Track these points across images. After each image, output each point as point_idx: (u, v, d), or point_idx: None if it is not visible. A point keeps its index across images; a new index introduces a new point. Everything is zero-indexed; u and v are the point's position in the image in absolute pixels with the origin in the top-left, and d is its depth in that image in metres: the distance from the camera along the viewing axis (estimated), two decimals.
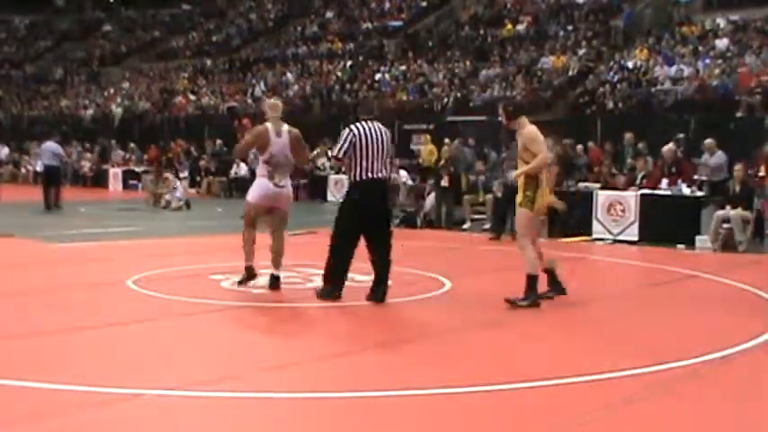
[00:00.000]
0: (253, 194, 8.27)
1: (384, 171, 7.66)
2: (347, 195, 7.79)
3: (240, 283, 8.28)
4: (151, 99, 37.30)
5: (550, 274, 8.15)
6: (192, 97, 35.66)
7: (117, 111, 37.11)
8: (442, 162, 16.53)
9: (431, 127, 25.18)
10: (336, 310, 7.49)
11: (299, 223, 15.31)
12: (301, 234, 13.72)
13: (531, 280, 7.60)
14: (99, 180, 30.19)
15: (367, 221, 7.66)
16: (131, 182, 28.96)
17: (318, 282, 8.73)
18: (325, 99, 30.67)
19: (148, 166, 28.45)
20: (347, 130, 7.71)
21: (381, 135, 7.70)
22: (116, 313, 7.06)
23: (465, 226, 16.24)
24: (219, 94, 34.91)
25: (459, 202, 16.75)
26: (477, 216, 16.85)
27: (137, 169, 29.34)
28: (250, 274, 8.24)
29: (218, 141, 27.73)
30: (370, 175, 7.57)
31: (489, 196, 16.16)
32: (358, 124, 7.73)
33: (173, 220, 17.60)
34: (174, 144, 28.75)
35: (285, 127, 8.25)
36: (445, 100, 26.92)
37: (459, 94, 26.93)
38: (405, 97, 28.55)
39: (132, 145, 31.53)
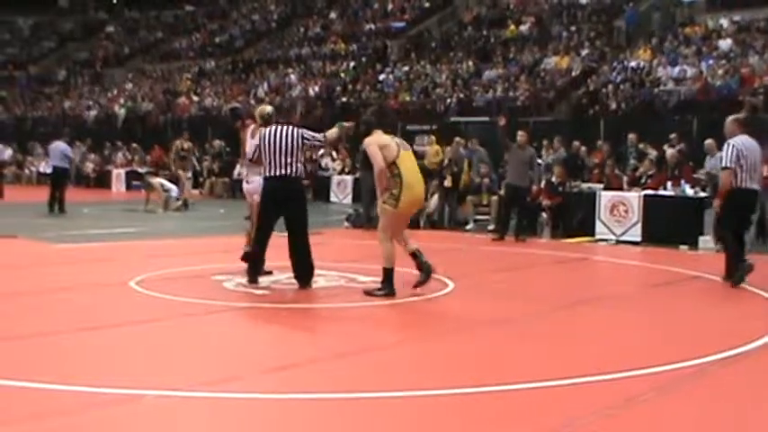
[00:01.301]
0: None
1: (288, 169, 8.17)
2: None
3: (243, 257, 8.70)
4: (154, 100, 37.36)
5: (415, 257, 8.32)
6: (195, 98, 35.71)
7: (120, 112, 37.18)
8: (445, 162, 16.51)
9: (434, 128, 25.17)
10: (339, 311, 7.49)
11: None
12: None
13: (387, 272, 7.95)
14: (102, 181, 30.25)
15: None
16: (134, 183, 28.97)
17: (322, 282, 8.75)
18: (329, 100, 30.67)
19: (151, 166, 28.46)
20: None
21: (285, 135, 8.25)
22: (119, 314, 7.06)
23: (468, 227, 16.23)
24: (222, 95, 34.95)
25: (462, 202, 16.74)
26: (480, 217, 16.85)
27: (140, 170, 29.36)
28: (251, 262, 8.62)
29: (218, 142, 27.75)
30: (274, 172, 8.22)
31: (493, 198, 16.17)
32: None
33: (175, 221, 17.60)
34: (182, 138, 28.82)
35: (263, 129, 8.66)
36: (448, 101, 26.92)
37: (462, 95, 26.93)
38: (408, 98, 28.56)
39: (135, 146, 31.61)
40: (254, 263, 8.53)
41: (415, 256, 8.30)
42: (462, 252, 12.88)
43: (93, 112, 38.55)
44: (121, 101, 38.55)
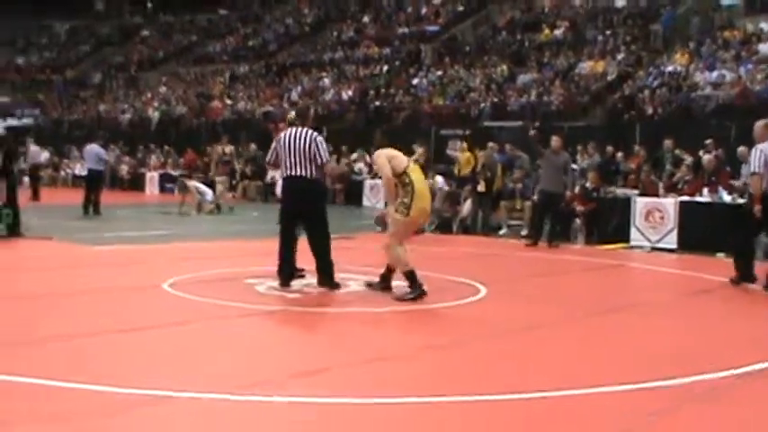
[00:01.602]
0: None
1: (303, 170, 8.42)
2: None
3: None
4: (188, 103, 37.66)
5: (390, 272, 8.50)
6: (229, 102, 35.94)
7: (154, 115, 37.52)
8: (478, 168, 16.48)
9: (467, 132, 25.12)
10: (370, 315, 7.49)
11: (333, 229, 15.36)
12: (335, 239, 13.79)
13: (409, 275, 8.10)
14: (136, 183, 30.57)
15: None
16: (168, 185, 29.23)
17: (353, 286, 8.77)
18: (362, 104, 30.73)
19: (184, 169, 28.70)
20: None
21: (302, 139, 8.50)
22: (152, 316, 7.13)
23: (501, 232, 16.18)
24: (256, 99, 35.15)
25: (496, 207, 16.70)
26: (513, 222, 16.78)
27: (173, 173, 29.61)
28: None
29: (252, 146, 27.95)
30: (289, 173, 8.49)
31: (527, 203, 16.10)
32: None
33: (208, 223, 17.73)
34: (211, 148, 29.02)
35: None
36: (482, 105, 26.86)
37: (495, 99, 26.85)
38: (441, 102, 28.54)
39: (168, 149, 31.87)
40: (283, 266, 8.60)
41: (389, 273, 8.53)
42: (495, 257, 12.84)
43: (127, 116, 38.98)
44: (155, 104, 38.94)
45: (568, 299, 8.82)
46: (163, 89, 41.22)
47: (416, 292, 8.02)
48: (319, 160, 8.50)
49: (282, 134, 8.67)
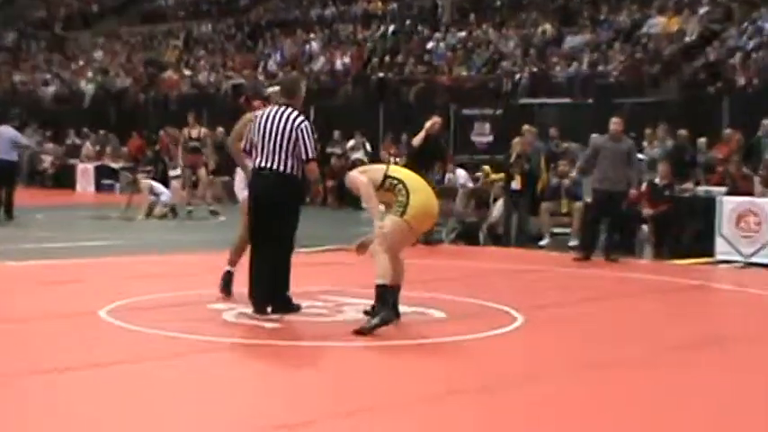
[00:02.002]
0: None
1: (278, 163, 8.52)
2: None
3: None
4: (132, 73, 37.75)
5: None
6: (187, 72, 36.03)
7: (88, 88, 37.58)
8: (513, 158, 16.43)
9: (498, 112, 25.16)
10: (370, 351, 7.49)
11: (325, 237, 15.37)
12: (320, 252, 13.81)
13: (381, 291, 8.03)
14: (63, 179, 30.65)
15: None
16: (106, 181, 29.32)
17: (351, 313, 8.78)
18: (361, 76, 30.80)
19: (128, 161, 28.79)
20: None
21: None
22: (88, 353, 7.11)
23: (543, 242, 16.20)
24: (222, 68, 35.24)
25: (535, 210, 16.71)
26: (559, 229, 16.78)
27: (113, 165, 29.70)
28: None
29: (220, 130, 27.99)
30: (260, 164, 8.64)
31: (577, 204, 16.10)
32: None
33: (161, 231, 17.76)
34: (164, 132, 29.08)
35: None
36: (518, 76, 26.88)
37: (536, 69, 26.87)
38: (464, 73, 28.58)
39: (107, 133, 31.95)
40: (255, 288, 8.62)
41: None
42: (534, 275, 12.85)
43: (51, 89, 39.05)
44: (89, 74, 39.00)
45: (633, 331, 8.81)
46: (99, 54, 41.33)
47: (382, 315, 7.95)
48: (303, 154, 8.51)
49: (259, 113, 8.77)
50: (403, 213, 8.20)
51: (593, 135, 16.09)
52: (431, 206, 8.51)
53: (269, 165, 8.51)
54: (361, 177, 8.38)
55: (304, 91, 8.98)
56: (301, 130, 8.49)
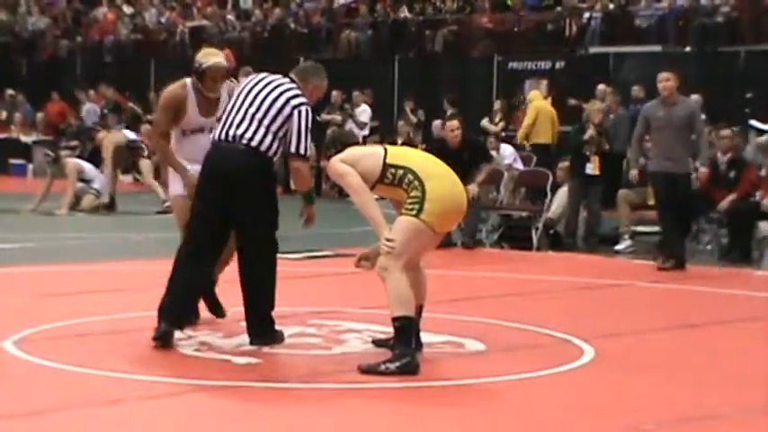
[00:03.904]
0: None
1: (250, 133, 8.58)
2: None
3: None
4: (51, 12, 37.76)
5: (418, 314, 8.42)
6: (127, 10, 36.05)
7: None
8: (588, 134, 16.37)
9: (559, 65, 25.11)
10: (386, 396, 7.50)
11: (315, 237, 15.38)
12: (312, 258, 13.96)
13: (400, 325, 8.00)
14: None
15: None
16: (14, 161, 29.33)
17: (353, 342, 8.79)
18: (371, 15, 30.78)
19: (46, 133, 28.80)
20: None
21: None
22: None
23: (620, 246, 16.16)
24: (177, 7, 35.23)
25: (611, 203, 16.67)
26: (642, 228, 16.73)
27: (24, 139, 29.72)
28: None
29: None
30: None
31: None
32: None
33: (90, 231, 17.76)
34: (95, 93, 29.13)
35: None
36: (586, 17, 26.82)
37: (612, 7, 26.81)
38: (512, 12, 28.52)
39: (14, 94, 31.90)
40: (173, 299, 8.65)
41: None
42: (610, 292, 12.86)
43: None
44: None
45: (744, 371, 8.78)
46: None
47: (402, 361, 7.93)
48: (292, 144, 8.57)
49: (246, 80, 8.90)
50: (419, 211, 8.04)
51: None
52: (456, 195, 8.31)
53: (235, 132, 8.56)
54: (347, 168, 8.22)
55: (322, 87, 9.04)
56: (299, 111, 8.55)
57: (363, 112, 26.01)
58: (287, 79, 8.73)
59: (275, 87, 8.63)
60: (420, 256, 8.39)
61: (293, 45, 30.77)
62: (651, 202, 16.39)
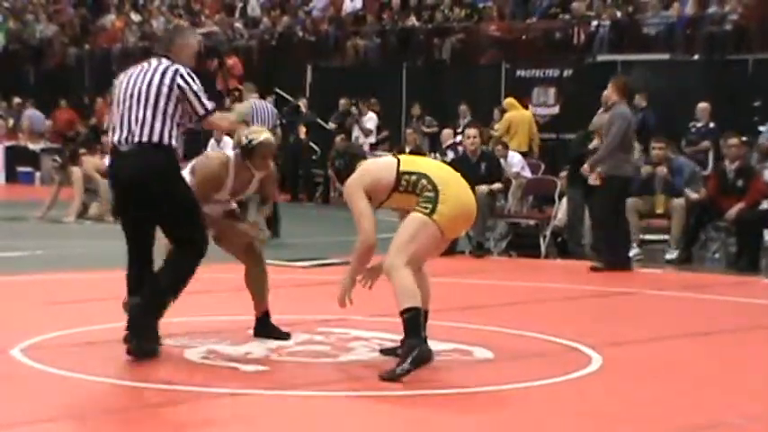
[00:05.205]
0: None
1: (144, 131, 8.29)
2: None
3: None
4: (59, 19, 37.77)
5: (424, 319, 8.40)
6: (135, 17, 36.05)
7: None
8: (595, 143, 16.40)
9: (567, 73, 25.12)
10: (392, 404, 7.51)
11: (323, 245, 15.38)
12: (320, 266, 13.98)
13: (410, 316, 7.95)
14: None
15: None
16: (22, 169, 29.33)
17: (361, 350, 8.80)
18: (379, 23, 30.77)
19: (54, 141, 28.79)
20: None
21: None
22: (3, 408, 7.13)
23: (630, 253, 16.14)
24: (185, 15, 35.25)
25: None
26: (651, 236, 16.73)
27: (32, 147, 29.71)
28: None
29: None
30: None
31: (677, 201, 16.06)
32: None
33: (96, 239, 17.77)
34: (104, 101, 29.15)
35: None
36: (594, 25, 26.82)
37: (619, 14, 26.80)
38: (519, 20, 28.51)
39: (22, 101, 31.86)
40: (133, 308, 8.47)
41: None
42: (618, 301, 12.88)
43: None
44: None
45: (754, 380, 8.75)
46: None
47: (412, 355, 7.95)
48: (198, 109, 8.39)
49: (122, 75, 8.68)
50: (432, 211, 8.08)
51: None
52: (467, 203, 8.38)
53: (128, 137, 8.30)
54: (362, 203, 8.23)
55: (191, 46, 8.79)
56: (180, 76, 8.34)
57: (369, 119, 26.08)
58: (154, 59, 8.55)
59: (147, 73, 8.42)
60: (425, 258, 8.39)
61: (301, 53, 30.79)
62: (659, 210, 16.43)
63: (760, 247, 15.29)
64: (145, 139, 8.25)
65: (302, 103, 26.85)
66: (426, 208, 8.10)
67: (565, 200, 16.77)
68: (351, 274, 8.46)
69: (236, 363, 8.43)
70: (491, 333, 9.66)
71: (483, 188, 15.10)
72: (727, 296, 13.06)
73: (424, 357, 7.88)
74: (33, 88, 33.14)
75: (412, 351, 7.87)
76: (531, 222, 17.19)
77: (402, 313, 7.97)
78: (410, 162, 8.43)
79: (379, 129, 26.25)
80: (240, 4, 34.45)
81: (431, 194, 8.11)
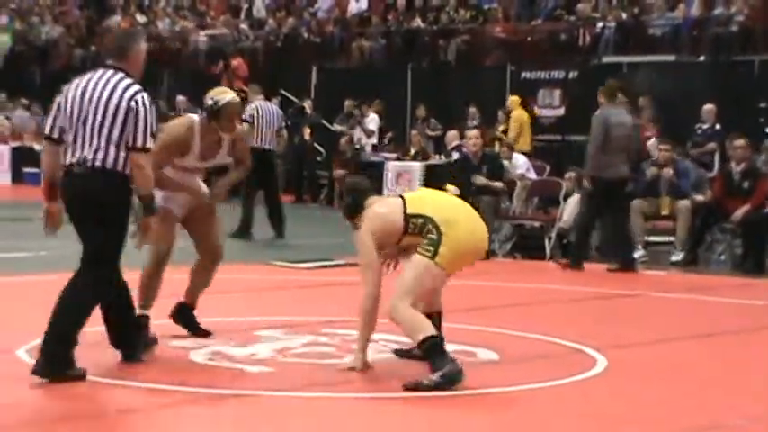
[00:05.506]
0: None
1: (93, 152, 7.92)
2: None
3: None
4: (65, 20, 37.74)
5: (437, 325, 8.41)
6: (141, 18, 36.05)
7: (1, 40, 37.50)
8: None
9: (573, 75, 25.13)
10: (396, 405, 7.51)
11: (327, 247, 15.40)
12: (324, 267, 14.01)
13: (430, 348, 7.89)
14: None
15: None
16: (28, 170, 29.32)
17: (376, 354, 8.81)
18: (384, 25, 30.77)
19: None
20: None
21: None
22: (15, 408, 7.14)
23: (635, 254, 16.15)
24: (190, 15, 35.24)
25: (623, 211, 16.64)
26: (656, 238, 16.71)
27: (38, 147, 29.68)
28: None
29: (180, 99, 28.09)
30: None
31: (682, 203, 16.05)
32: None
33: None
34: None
35: None
36: (600, 26, 26.79)
37: (624, 16, 26.78)
38: (524, 22, 28.50)
39: (28, 103, 31.84)
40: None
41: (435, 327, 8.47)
42: (623, 302, 12.86)
43: None
44: (3, 20, 39.02)
45: (758, 382, 8.72)
46: None
47: (445, 374, 7.90)
48: (131, 139, 7.89)
49: (71, 84, 8.34)
50: (434, 255, 8.08)
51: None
52: (473, 242, 8.36)
53: (82, 157, 7.93)
54: (371, 255, 8.26)
55: (143, 51, 8.31)
56: (136, 104, 7.87)
57: (371, 120, 26.11)
58: (110, 72, 8.06)
59: (103, 88, 7.97)
60: (431, 295, 8.38)
61: (306, 54, 30.79)
62: (664, 212, 16.43)
63: (765, 249, 15.28)
64: (98, 162, 7.88)
65: (307, 105, 26.95)
66: (428, 251, 8.09)
67: (570, 201, 16.77)
68: (361, 343, 8.36)
69: (240, 364, 8.46)
70: (496, 335, 9.67)
71: (481, 180, 15.26)
72: (733, 298, 13.05)
73: (454, 375, 7.81)
74: (39, 89, 33.10)
75: (441, 368, 7.81)
76: (536, 224, 17.20)
77: (419, 345, 7.99)
78: (416, 202, 8.37)
79: (381, 130, 26.24)
80: (245, 6, 34.45)
81: (434, 237, 8.10)
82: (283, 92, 26.97)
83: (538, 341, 9.69)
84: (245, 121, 17.01)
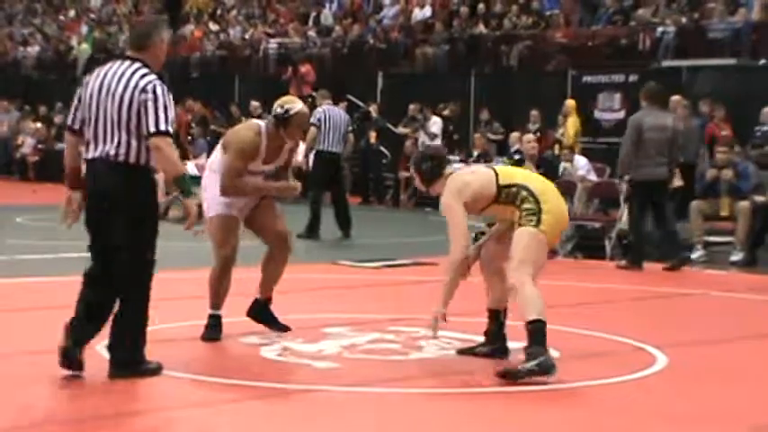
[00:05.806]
0: None
1: (111, 145, 7.81)
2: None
3: None
4: None
5: (500, 324, 8.61)
6: (214, 27, 36.23)
7: (82, 48, 37.77)
8: None
9: (632, 78, 24.98)
10: (458, 400, 7.53)
11: (391, 248, 15.38)
12: (387, 267, 14.00)
13: (537, 328, 7.99)
14: (50, 169, 30.65)
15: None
16: None
17: (430, 348, 8.81)
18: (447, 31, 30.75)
19: None
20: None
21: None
22: (102, 399, 7.28)
23: (693, 255, 16.04)
24: (260, 23, 35.37)
25: (683, 212, 16.57)
26: (715, 238, 16.60)
27: None
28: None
29: (255, 103, 28.20)
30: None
31: (742, 203, 15.93)
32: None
33: (175, 239, 17.83)
34: (182, 108, 29.29)
35: None
36: (660, 30, 26.65)
37: (685, 20, 26.62)
38: (584, 27, 28.40)
39: None
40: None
41: (497, 325, 8.63)
42: (683, 301, 12.82)
43: (32, 50, 39.33)
44: (83, 30, 39.30)
45: None
46: (95, 3, 41.57)
47: (540, 362, 7.94)
48: (145, 125, 7.71)
49: (91, 75, 8.19)
50: (538, 222, 8.15)
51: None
52: (563, 211, 8.53)
53: (100, 151, 7.82)
54: (460, 217, 8.27)
55: (165, 42, 8.16)
56: (146, 92, 7.72)
57: (434, 123, 26.14)
58: (128, 62, 7.92)
59: (119, 79, 7.80)
60: (542, 268, 8.39)
61: (372, 60, 30.87)
62: (724, 213, 16.31)
63: None
64: (116, 155, 7.76)
65: (372, 109, 27.06)
66: (531, 220, 8.17)
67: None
68: (445, 296, 8.41)
69: (309, 359, 8.52)
70: (558, 332, 9.60)
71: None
72: None
73: (546, 367, 7.87)
74: None
75: (535, 358, 7.87)
76: (597, 225, 17.17)
77: (527, 324, 8.03)
78: (507, 175, 8.46)
79: (445, 133, 26.23)
80: (314, 14, 34.53)
81: (532, 206, 8.19)
82: (350, 97, 27.03)
83: (598, 339, 9.70)
84: (312, 124, 17.14)
